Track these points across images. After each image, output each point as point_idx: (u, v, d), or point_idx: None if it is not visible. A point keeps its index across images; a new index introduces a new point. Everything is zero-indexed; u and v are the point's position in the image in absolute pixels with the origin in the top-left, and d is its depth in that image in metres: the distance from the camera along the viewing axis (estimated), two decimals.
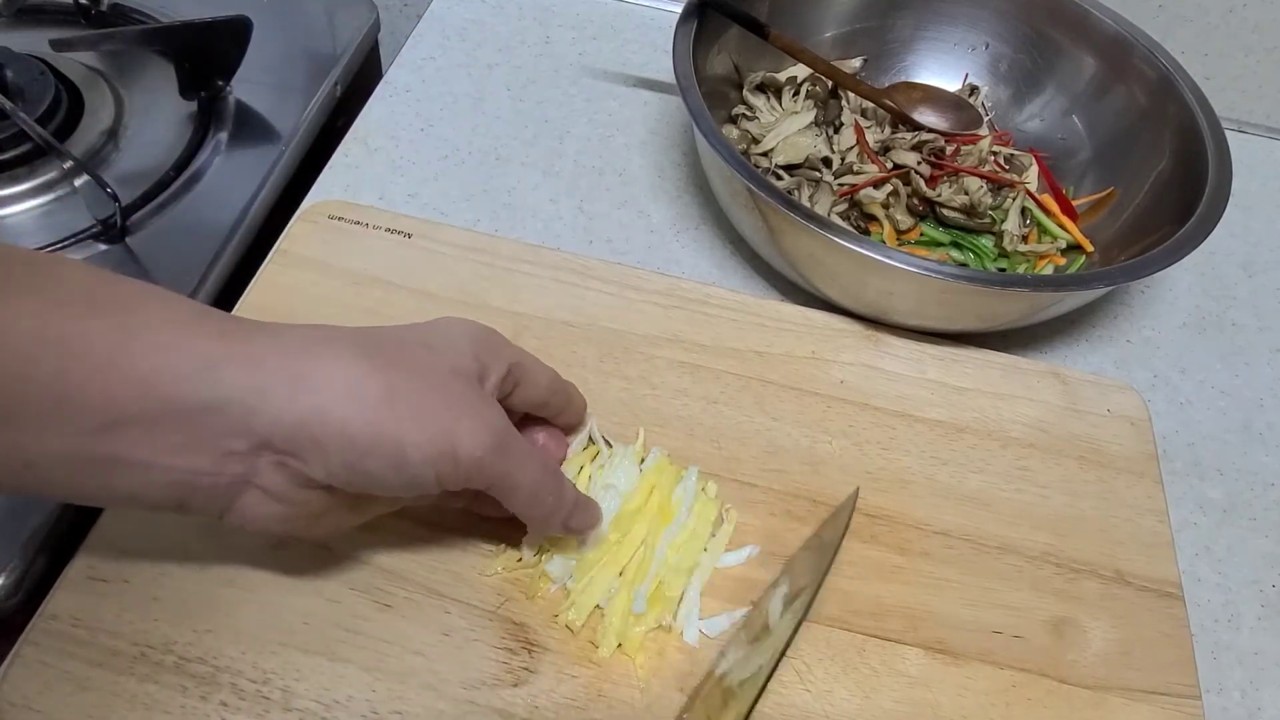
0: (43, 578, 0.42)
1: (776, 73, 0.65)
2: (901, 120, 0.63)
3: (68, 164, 0.55)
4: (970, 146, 0.60)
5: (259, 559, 0.40)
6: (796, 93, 0.64)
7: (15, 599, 0.41)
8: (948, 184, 0.59)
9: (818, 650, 0.40)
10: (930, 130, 0.62)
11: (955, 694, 0.40)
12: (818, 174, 0.59)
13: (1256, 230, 0.67)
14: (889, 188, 0.58)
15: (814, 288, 0.53)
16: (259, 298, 0.50)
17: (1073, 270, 0.58)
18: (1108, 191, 0.61)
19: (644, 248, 0.59)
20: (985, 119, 0.66)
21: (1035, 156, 0.63)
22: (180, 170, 0.58)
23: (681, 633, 0.40)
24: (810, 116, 0.62)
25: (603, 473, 0.43)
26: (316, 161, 0.61)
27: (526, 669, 0.38)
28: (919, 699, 0.40)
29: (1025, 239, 0.59)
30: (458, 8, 0.74)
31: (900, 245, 0.57)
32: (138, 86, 0.63)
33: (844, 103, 0.64)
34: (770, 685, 0.39)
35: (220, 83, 0.63)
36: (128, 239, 0.54)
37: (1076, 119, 0.64)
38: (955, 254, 0.58)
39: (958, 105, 0.64)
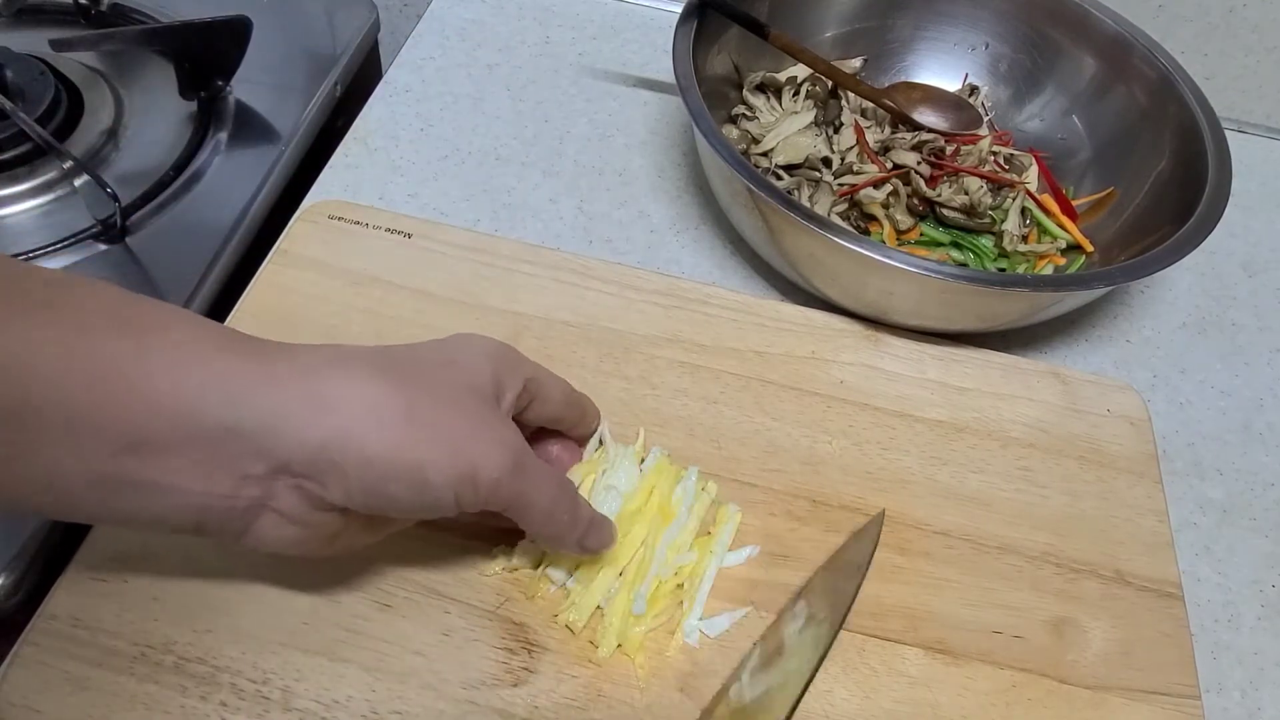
0: (43, 578, 0.42)
1: (776, 73, 0.65)
2: (901, 120, 0.63)
3: (67, 164, 0.55)
4: (970, 146, 0.60)
5: (259, 559, 0.39)
6: (796, 93, 0.64)
7: (15, 599, 0.41)
8: (948, 184, 0.59)
9: None
10: (930, 130, 0.62)
11: (955, 694, 0.40)
12: (818, 174, 0.59)
13: (1256, 230, 0.67)
14: (889, 188, 0.58)
15: (814, 288, 0.53)
16: (259, 298, 0.50)
17: (1073, 270, 0.58)
18: (1108, 191, 0.61)
19: (644, 248, 0.59)
20: (985, 119, 0.66)
21: (1035, 156, 0.63)
22: (180, 170, 0.58)
23: (682, 633, 0.40)
24: (810, 116, 0.62)
25: (603, 474, 0.42)
26: (316, 161, 0.61)
27: (526, 669, 0.38)
28: (919, 699, 0.40)
29: (1025, 239, 0.59)
30: (458, 8, 0.74)
31: (900, 245, 0.57)
32: (138, 86, 0.63)
33: (844, 103, 0.64)
34: None
35: (220, 83, 0.63)
36: (127, 239, 0.54)
37: (1076, 119, 0.64)
38: (955, 254, 0.58)
39: (958, 105, 0.64)
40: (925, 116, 0.63)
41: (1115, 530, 0.46)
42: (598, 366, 0.49)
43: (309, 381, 0.31)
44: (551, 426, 0.40)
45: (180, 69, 0.61)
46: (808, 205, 0.57)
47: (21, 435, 0.27)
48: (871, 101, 0.63)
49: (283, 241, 0.52)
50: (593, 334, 0.50)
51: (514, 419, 0.36)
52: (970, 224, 0.58)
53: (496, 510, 0.34)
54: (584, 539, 0.37)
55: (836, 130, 0.63)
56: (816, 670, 0.37)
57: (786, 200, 0.48)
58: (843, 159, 0.61)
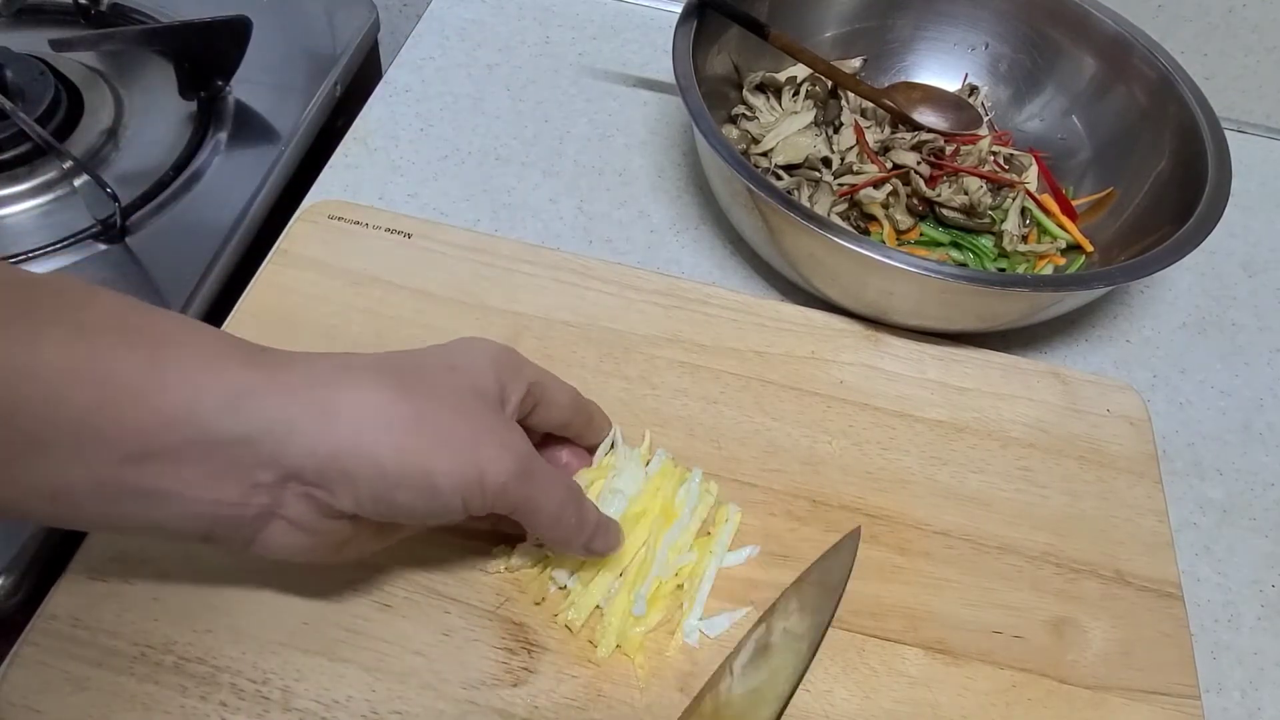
0: (43, 578, 0.42)
1: (776, 73, 0.65)
2: (901, 120, 0.63)
3: (67, 164, 0.55)
4: (970, 146, 0.60)
5: (259, 560, 0.39)
6: (796, 93, 0.64)
7: (15, 599, 0.41)
8: (947, 184, 0.59)
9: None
10: (930, 130, 0.62)
11: (955, 694, 0.40)
12: (817, 174, 0.59)
13: (1256, 230, 0.67)
14: (889, 188, 0.58)
15: (814, 288, 0.53)
16: (259, 298, 0.50)
17: (1073, 270, 0.58)
18: (1108, 191, 0.61)
19: (644, 248, 0.59)
20: (985, 119, 0.66)
21: (1035, 156, 0.63)
22: (180, 170, 0.58)
23: (682, 633, 0.40)
24: (810, 116, 0.62)
25: (610, 478, 0.42)
26: (316, 161, 0.61)
27: (526, 669, 0.38)
28: (919, 699, 0.40)
29: (1025, 239, 0.59)
30: (457, 8, 0.74)
31: (900, 245, 0.57)
32: (138, 86, 0.63)
33: (844, 103, 0.64)
34: None
35: (220, 83, 0.63)
36: (127, 239, 0.54)
37: (1076, 119, 0.64)
38: (955, 254, 0.58)
39: (957, 105, 0.64)
40: (925, 116, 0.63)
41: (1115, 530, 0.46)
42: (598, 366, 0.49)
43: (317, 390, 0.31)
44: (559, 433, 0.40)
45: (180, 69, 0.61)
46: (808, 205, 0.57)
47: (29, 445, 0.27)
48: (871, 101, 0.63)
49: (283, 241, 0.52)
50: (593, 334, 0.50)
51: (521, 424, 0.36)
52: (970, 224, 0.58)
53: (504, 514, 0.34)
54: (590, 542, 0.37)
55: (836, 130, 0.63)
56: (796, 687, 0.38)
57: (786, 200, 0.48)
58: (843, 159, 0.61)
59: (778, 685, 0.38)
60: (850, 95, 0.64)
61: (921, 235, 0.58)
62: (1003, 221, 0.58)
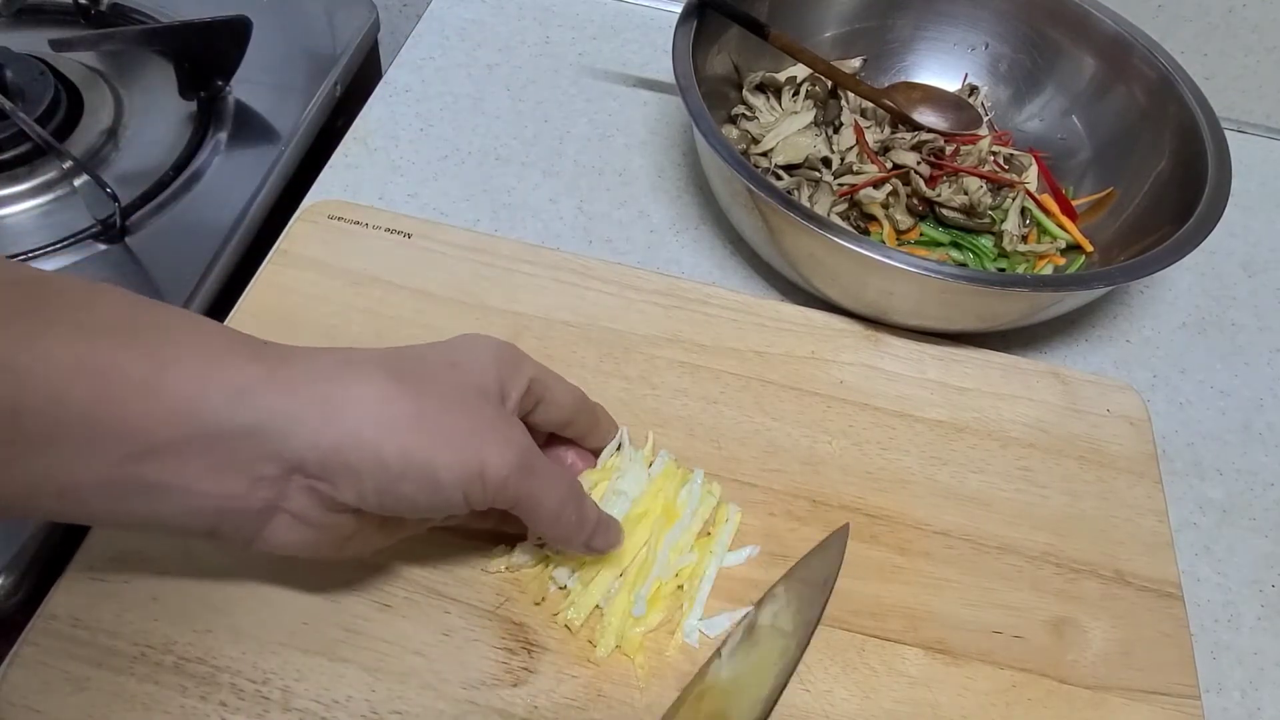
0: (42, 578, 0.42)
1: (776, 73, 0.65)
2: (901, 120, 0.63)
3: (67, 164, 0.55)
4: (970, 146, 0.60)
5: (259, 559, 0.39)
6: (796, 93, 0.64)
7: (15, 599, 0.41)
8: (947, 184, 0.59)
9: (818, 650, 0.40)
10: (930, 130, 0.62)
11: (955, 694, 0.40)
12: (817, 174, 0.59)
13: (1256, 230, 0.67)
14: (889, 188, 0.58)
15: (814, 288, 0.53)
16: (258, 298, 0.50)
17: (1072, 270, 0.58)
18: (1107, 191, 0.61)
19: (644, 248, 0.59)
20: (985, 119, 0.66)
21: (1035, 156, 0.63)
22: (180, 170, 0.58)
23: (682, 633, 0.40)
24: (810, 116, 0.62)
25: (613, 479, 0.42)
26: (316, 161, 0.61)
27: (526, 669, 0.38)
28: (919, 699, 0.40)
29: (1025, 239, 0.59)
30: (457, 8, 0.74)
31: (900, 245, 0.57)
32: (137, 86, 0.63)
33: (844, 103, 0.64)
34: None
35: (220, 83, 0.63)
36: (127, 239, 0.54)
37: (1076, 119, 0.64)
38: (955, 254, 0.58)
39: (957, 105, 0.64)
40: (925, 116, 0.63)
41: (1115, 530, 0.46)
42: (598, 366, 0.49)
43: (320, 384, 0.31)
44: (562, 433, 0.40)
45: (180, 69, 0.61)
46: (808, 205, 0.57)
47: (35, 442, 0.27)
48: (871, 101, 0.63)
49: (282, 241, 0.52)
50: (593, 334, 0.50)
51: (525, 423, 0.36)
52: (970, 224, 0.58)
53: (505, 508, 0.34)
54: (591, 539, 0.37)
55: (836, 130, 0.63)
56: (784, 685, 0.38)
57: (786, 200, 0.48)
58: (842, 159, 0.61)
59: (764, 679, 0.38)
60: (850, 95, 0.64)
61: (921, 235, 0.58)
62: (1003, 221, 0.58)
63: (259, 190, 0.58)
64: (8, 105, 0.54)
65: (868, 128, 0.63)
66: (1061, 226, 0.59)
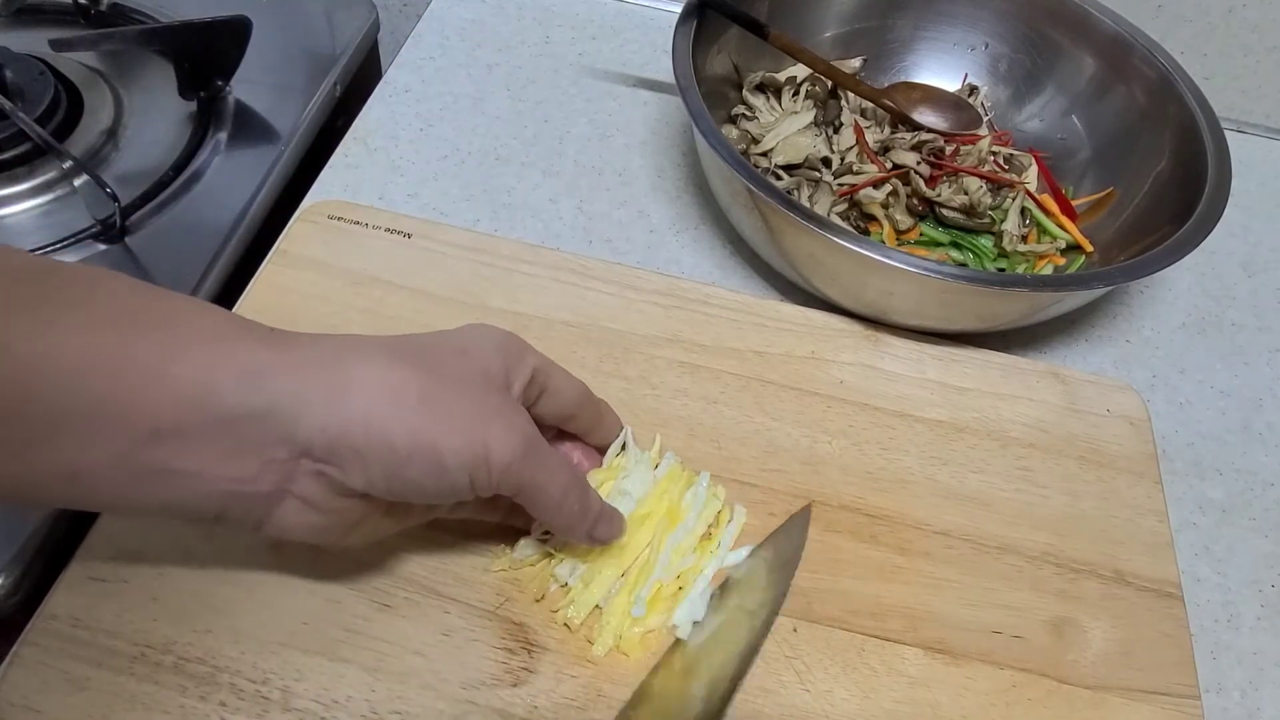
0: (42, 578, 0.42)
1: (776, 73, 0.65)
2: (901, 120, 0.63)
3: (67, 164, 0.55)
4: (970, 146, 0.60)
5: (258, 559, 0.40)
6: (796, 93, 0.64)
7: (15, 599, 0.41)
8: (947, 184, 0.59)
9: (818, 650, 0.40)
10: (930, 130, 0.62)
11: (955, 694, 0.40)
12: (817, 174, 0.59)
13: (1256, 230, 0.67)
14: (888, 188, 0.58)
15: (814, 288, 0.53)
16: (258, 298, 0.50)
17: (1072, 270, 0.58)
18: (1107, 191, 0.61)
19: (644, 248, 0.59)
20: (985, 119, 0.66)
21: (1035, 156, 0.63)
22: (180, 170, 0.58)
23: (679, 631, 0.40)
24: (810, 116, 0.62)
25: (618, 479, 0.42)
26: (316, 161, 0.61)
27: (526, 669, 0.38)
28: (919, 699, 0.40)
29: (1025, 239, 0.59)
30: (457, 8, 0.74)
31: (900, 245, 0.57)
32: (137, 86, 0.63)
33: (844, 103, 0.64)
34: (770, 685, 0.39)
35: (220, 83, 0.63)
36: (127, 239, 0.54)
37: (1076, 119, 0.64)
38: (955, 254, 0.58)
39: (957, 105, 0.64)
40: (925, 116, 0.63)
41: (1115, 530, 0.46)
42: (598, 366, 0.49)
43: (328, 368, 0.31)
44: (567, 426, 0.40)
45: (180, 69, 0.61)
46: (807, 205, 0.57)
47: (47, 428, 0.28)
48: (871, 101, 0.63)
49: (282, 241, 0.52)
50: (593, 334, 0.50)
51: (530, 413, 0.36)
52: (970, 224, 0.58)
53: (510, 495, 0.35)
54: (594, 529, 0.38)
55: (836, 130, 0.63)
56: (749, 664, 0.39)
57: (786, 200, 0.48)
58: (842, 159, 0.61)
59: (728, 654, 0.39)
60: (850, 95, 0.64)
61: (921, 235, 0.58)
62: (1003, 221, 0.58)
63: (259, 190, 0.58)
64: (8, 105, 0.54)
65: (868, 128, 0.63)
66: (1061, 226, 0.59)
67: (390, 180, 0.60)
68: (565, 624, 0.40)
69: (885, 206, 0.58)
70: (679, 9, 0.57)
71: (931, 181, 0.58)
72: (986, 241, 0.58)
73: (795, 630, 0.41)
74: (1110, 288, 0.52)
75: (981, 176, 0.58)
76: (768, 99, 0.64)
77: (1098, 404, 0.52)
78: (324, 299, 0.50)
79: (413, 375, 0.32)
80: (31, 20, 0.66)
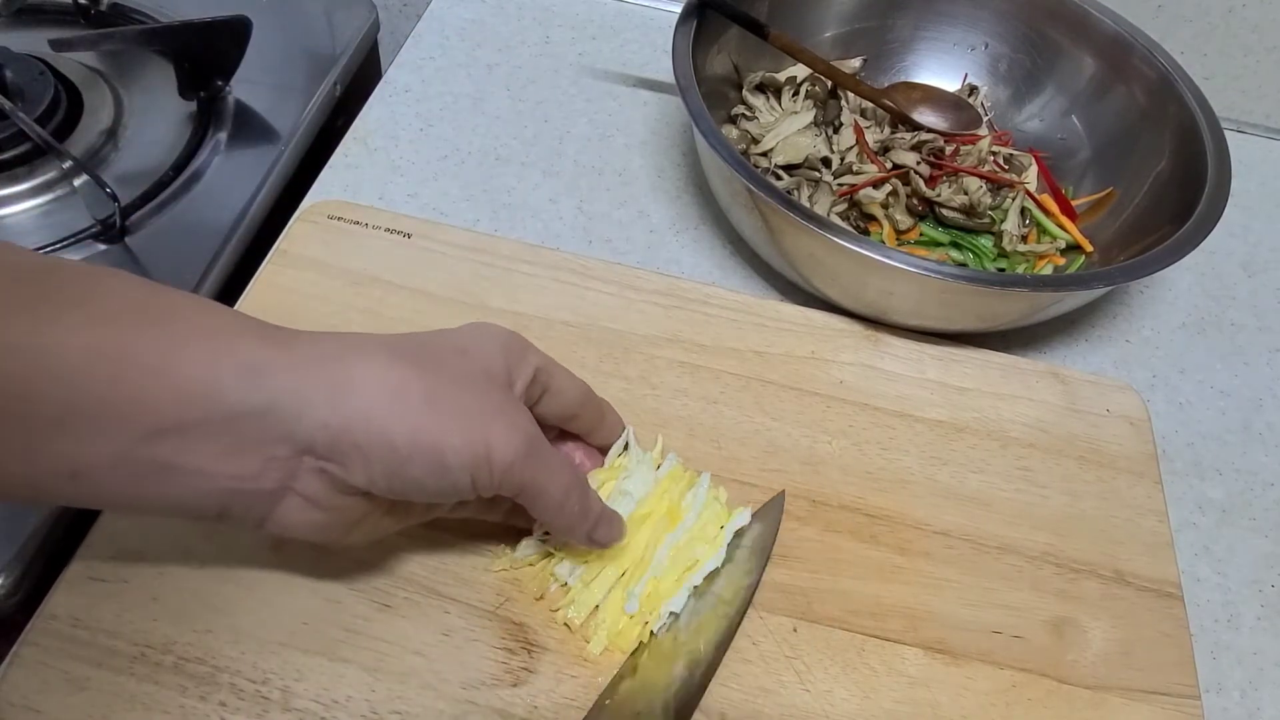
0: (42, 578, 0.42)
1: (776, 73, 0.65)
2: (901, 120, 0.63)
3: (67, 164, 0.55)
4: (970, 146, 0.60)
5: (258, 559, 0.40)
6: (796, 93, 0.64)
7: (15, 599, 0.41)
8: (947, 184, 0.59)
9: (818, 650, 0.40)
10: (930, 130, 0.62)
11: (955, 694, 0.40)
12: (817, 174, 0.59)
13: (1256, 230, 0.67)
14: (888, 188, 0.58)
15: (814, 288, 0.53)
16: (258, 298, 0.50)
17: (1072, 270, 0.58)
18: (1107, 191, 0.61)
19: (644, 248, 0.59)
20: (985, 119, 0.66)
21: (1035, 156, 0.63)
22: (180, 170, 0.58)
23: (655, 616, 0.40)
24: (810, 116, 0.62)
25: (620, 479, 0.42)
26: (316, 161, 0.61)
27: (526, 669, 0.38)
28: (919, 699, 0.40)
29: (1025, 239, 0.59)
30: (457, 8, 0.74)
31: (900, 245, 0.57)
32: (137, 86, 0.63)
33: (843, 103, 0.64)
34: (770, 685, 0.39)
35: (220, 83, 0.63)
36: (127, 239, 0.54)
37: (1076, 119, 0.64)
38: (955, 254, 0.58)
39: (957, 105, 0.64)
40: (925, 116, 0.63)
41: (1115, 530, 0.46)
42: (598, 366, 0.49)
43: (330, 365, 0.31)
44: (569, 427, 0.40)
45: (180, 69, 0.61)
46: (807, 205, 0.57)
47: (50, 424, 0.28)
48: (871, 101, 0.63)
49: (282, 241, 0.52)
50: (593, 334, 0.50)
51: (531, 413, 0.36)
52: (970, 224, 0.58)
53: (511, 495, 0.35)
54: (593, 531, 0.38)
55: (836, 130, 0.63)
56: (724, 649, 0.39)
57: (786, 200, 0.48)
58: (842, 159, 0.61)
59: (701, 640, 0.39)
60: (850, 95, 0.64)
61: (921, 235, 0.58)
62: (1002, 221, 0.58)
63: (259, 190, 0.58)
64: (8, 105, 0.54)
65: (868, 128, 0.63)
66: (1061, 226, 0.59)
67: (390, 180, 0.60)
68: (565, 624, 0.40)
69: (885, 206, 0.58)
70: (679, 9, 0.57)
71: (931, 181, 0.58)
72: (986, 241, 0.58)
73: (795, 630, 0.41)
74: (1110, 288, 0.52)
75: (981, 176, 0.58)
76: (768, 99, 0.64)
77: (1098, 404, 0.52)
78: (324, 299, 0.50)
79: (414, 374, 0.32)
80: (31, 20, 0.66)
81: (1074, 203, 0.61)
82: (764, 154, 0.61)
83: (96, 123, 0.59)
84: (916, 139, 0.60)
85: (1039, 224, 0.60)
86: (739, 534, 0.42)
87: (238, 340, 0.30)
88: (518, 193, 0.61)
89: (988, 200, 0.58)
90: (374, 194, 0.59)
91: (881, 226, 0.58)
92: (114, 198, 0.53)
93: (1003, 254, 0.58)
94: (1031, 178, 0.62)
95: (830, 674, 0.40)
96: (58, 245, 0.53)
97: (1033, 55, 0.65)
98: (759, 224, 0.52)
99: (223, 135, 0.61)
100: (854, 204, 0.58)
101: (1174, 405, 0.56)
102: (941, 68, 0.67)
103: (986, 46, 0.67)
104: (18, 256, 0.29)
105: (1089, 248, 0.58)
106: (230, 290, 0.53)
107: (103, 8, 0.68)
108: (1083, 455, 0.49)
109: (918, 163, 0.58)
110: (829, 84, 0.64)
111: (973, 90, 0.67)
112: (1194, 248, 0.49)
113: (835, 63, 0.64)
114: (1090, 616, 0.43)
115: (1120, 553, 0.46)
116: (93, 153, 0.57)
